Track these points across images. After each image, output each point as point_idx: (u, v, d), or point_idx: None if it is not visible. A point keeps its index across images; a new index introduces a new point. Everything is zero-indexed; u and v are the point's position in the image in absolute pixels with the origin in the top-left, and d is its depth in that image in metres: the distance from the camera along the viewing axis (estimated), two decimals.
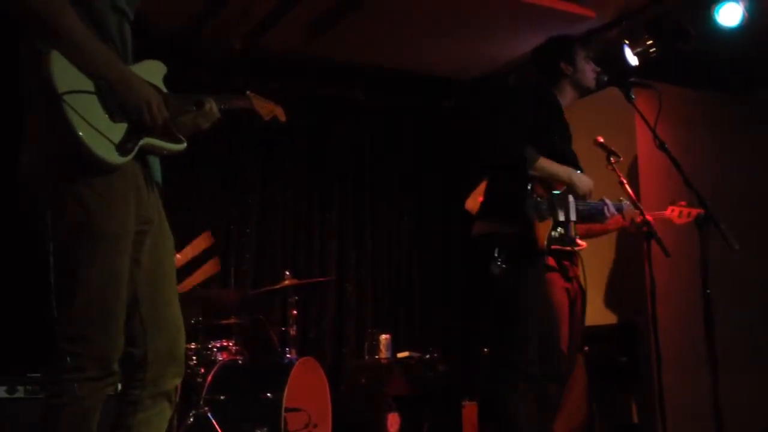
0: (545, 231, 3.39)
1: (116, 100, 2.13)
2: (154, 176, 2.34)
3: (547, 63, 3.71)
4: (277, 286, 5.09)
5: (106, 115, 2.11)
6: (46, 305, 4.69)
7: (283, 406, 4.30)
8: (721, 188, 5.33)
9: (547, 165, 3.39)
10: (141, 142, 2.19)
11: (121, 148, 2.12)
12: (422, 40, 5.96)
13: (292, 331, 5.03)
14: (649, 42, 5.37)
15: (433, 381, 5.62)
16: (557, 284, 3.81)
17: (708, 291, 3.03)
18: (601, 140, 4.31)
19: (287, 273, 5.14)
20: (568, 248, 3.66)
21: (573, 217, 3.55)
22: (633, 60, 5.42)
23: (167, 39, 5.60)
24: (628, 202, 4.02)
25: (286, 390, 4.32)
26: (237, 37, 5.75)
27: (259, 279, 6.03)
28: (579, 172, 3.55)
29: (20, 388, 3.60)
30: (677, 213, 4.50)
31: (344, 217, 6.61)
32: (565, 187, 3.51)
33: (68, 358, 2.09)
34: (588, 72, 3.68)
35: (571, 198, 3.55)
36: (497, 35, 5.87)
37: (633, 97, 3.48)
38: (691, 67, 5.68)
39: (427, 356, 5.75)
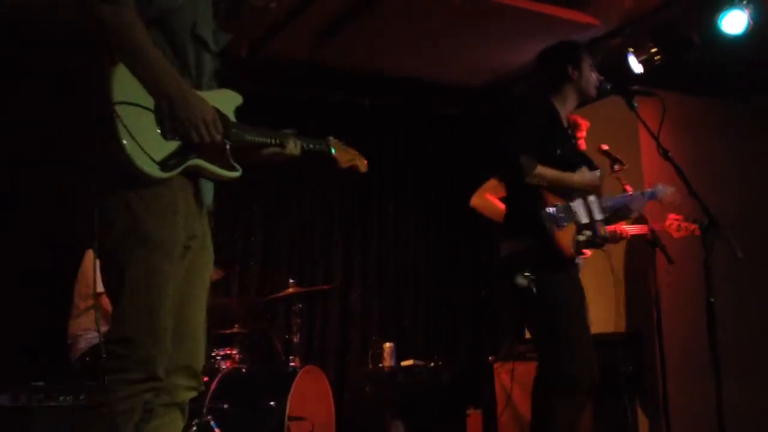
0: (568, 238, 3.39)
1: (172, 115, 2.18)
2: (204, 198, 2.39)
3: (554, 66, 3.69)
4: (281, 294, 5.09)
5: (158, 132, 2.17)
6: (49, 315, 4.72)
7: (287, 414, 4.29)
8: (726, 196, 5.32)
9: (544, 172, 3.38)
10: (187, 163, 2.23)
11: (164, 163, 2.16)
12: (428, 48, 5.96)
13: (296, 340, 5.03)
14: (654, 50, 5.37)
15: (437, 390, 5.60)
16: None
17: (712, 299, 3.02)
18: (606, 148, 4.31)
19: (291, 281, 5.14)
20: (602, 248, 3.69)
21: (598, 216, 3.56)
22: (637, 68, 5.42)
23: None
24: (662, 186, 4.00)
25: (289, 398, 4.32)
26: (243, 43, 5.75)
27: (264, 287, 6.02)
28: (583, 169, 3.54)
29: (23, 396, 3.60)
30: (675, 226, 4.51)
31: (349, 224, 6.60)
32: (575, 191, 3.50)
33: (112, 359, 2.12)
34: (592, 80, 3.66)
35: (592, 198, 3.55)
36: (503, 44, 5.87)
37: (635, 105, 3.46)
38: (695, 74, 5.68)
39: (432, 365, 5.73)
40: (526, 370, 4.97)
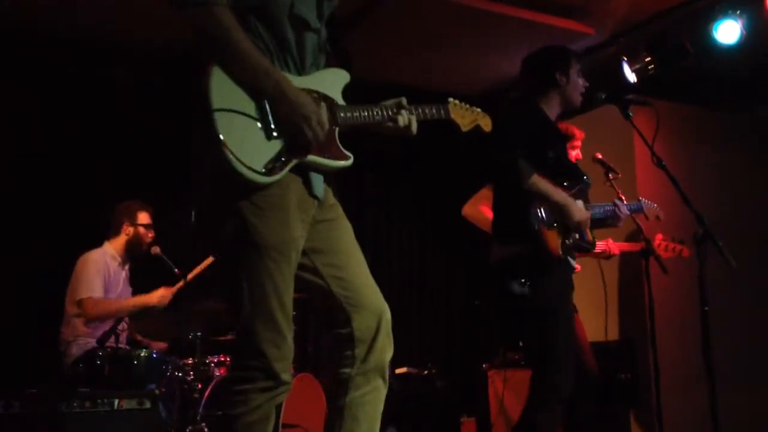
0: (556, 239, 3.37)
1: (272, 114, 2.12)
2: (315, 189, 2.27)
3: (542, 71, 3.64)
4: None
5: (261, 133, 2.11)
6: (43, 321, 4.69)
7: (281, 422, 4.28)
8: (719, 205, 5.34)
9: (540, 183, 3.35)
10: (293, 162, 2.16)
11: (268, 167, 2.10)
12: (426, 57, 5.98)
13: None
14: (648, 59, 5.39)
15: (431, 397, 5.59)
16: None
17: (706, 308, 3.02)
18: (600, 156, 4.33)
19: None
20: (588, 253, 3.69)
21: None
22: (631, 77, 5.43)
23: (176, 59, 5.60)
24: (647, 200, 4.05)
25: (283, 406, 4.30)
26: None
27: None
28: (580, 202, 3.52)
29: (17, 403, 3.58)
30: (663, 246, 4.54)
31: None
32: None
33: (241, 371, 2.13)
34: (578, 86, 3.63)
35: (580, 203, 3.53)
36: (499, 52, 5.89)
37: (630, 114, 3.45)
38: (689, 84, 5.70)
39: (426, 372, 5.72)
40: (519, 377, 4.97)
